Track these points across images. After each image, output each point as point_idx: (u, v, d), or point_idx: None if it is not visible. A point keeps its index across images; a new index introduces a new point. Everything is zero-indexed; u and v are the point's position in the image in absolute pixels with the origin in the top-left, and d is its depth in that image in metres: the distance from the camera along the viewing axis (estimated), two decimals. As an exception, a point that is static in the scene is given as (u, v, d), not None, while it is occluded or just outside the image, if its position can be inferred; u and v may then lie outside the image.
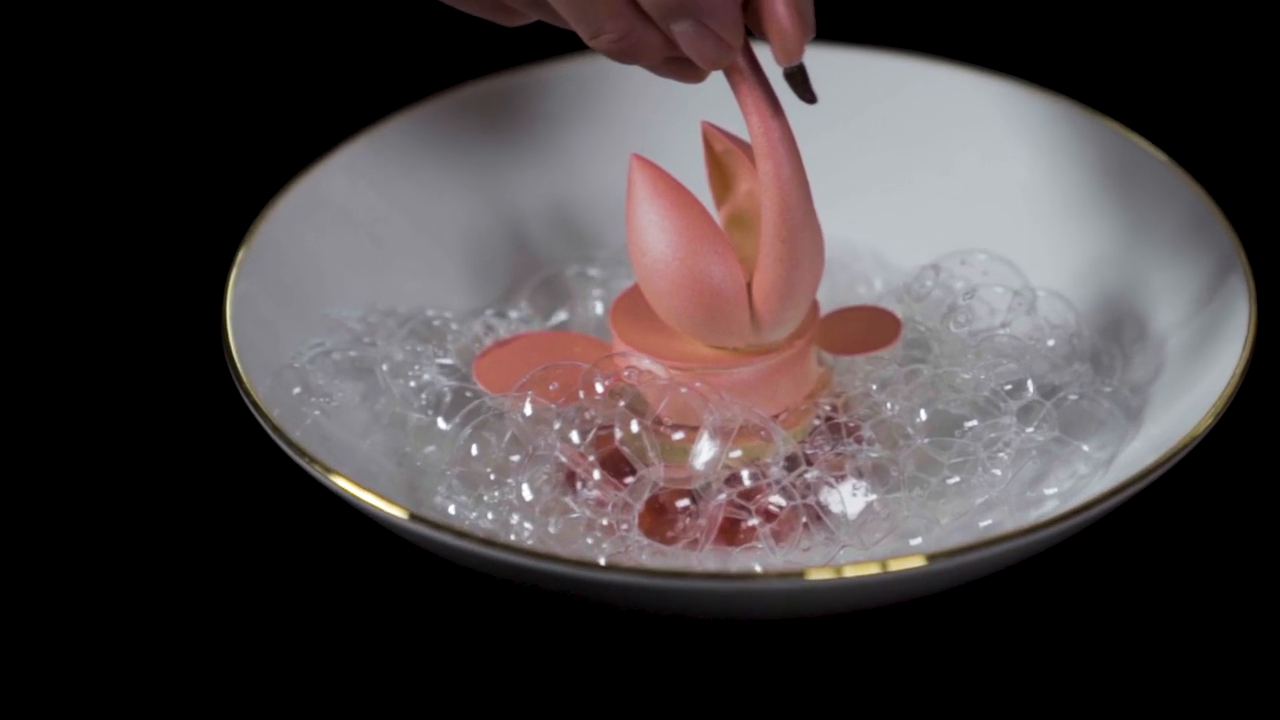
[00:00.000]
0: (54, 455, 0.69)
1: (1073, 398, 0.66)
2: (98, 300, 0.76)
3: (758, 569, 0.62)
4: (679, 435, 0.63)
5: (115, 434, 0.70)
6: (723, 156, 0.65)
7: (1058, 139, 0.74)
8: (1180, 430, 0.62)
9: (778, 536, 0.63)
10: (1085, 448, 0.65)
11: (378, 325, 0.69)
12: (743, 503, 0.63)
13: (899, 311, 0.68)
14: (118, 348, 0.73)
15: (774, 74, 0.61)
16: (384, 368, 0.67)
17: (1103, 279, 0.71)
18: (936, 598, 0.62)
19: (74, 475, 0.68)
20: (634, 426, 0.62)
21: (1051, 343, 0.68)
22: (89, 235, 0.79)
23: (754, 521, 0.63)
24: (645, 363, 0.64)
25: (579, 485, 0.63)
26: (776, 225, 0.61)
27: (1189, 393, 0.65)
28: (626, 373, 0.64)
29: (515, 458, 0.63)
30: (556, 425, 0.63)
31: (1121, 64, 0.88)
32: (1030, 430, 0.65)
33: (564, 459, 0.63)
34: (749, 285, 0.63)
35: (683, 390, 0.63)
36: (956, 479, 0.65)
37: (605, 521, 0.62)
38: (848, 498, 0.64)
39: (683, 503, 0.63)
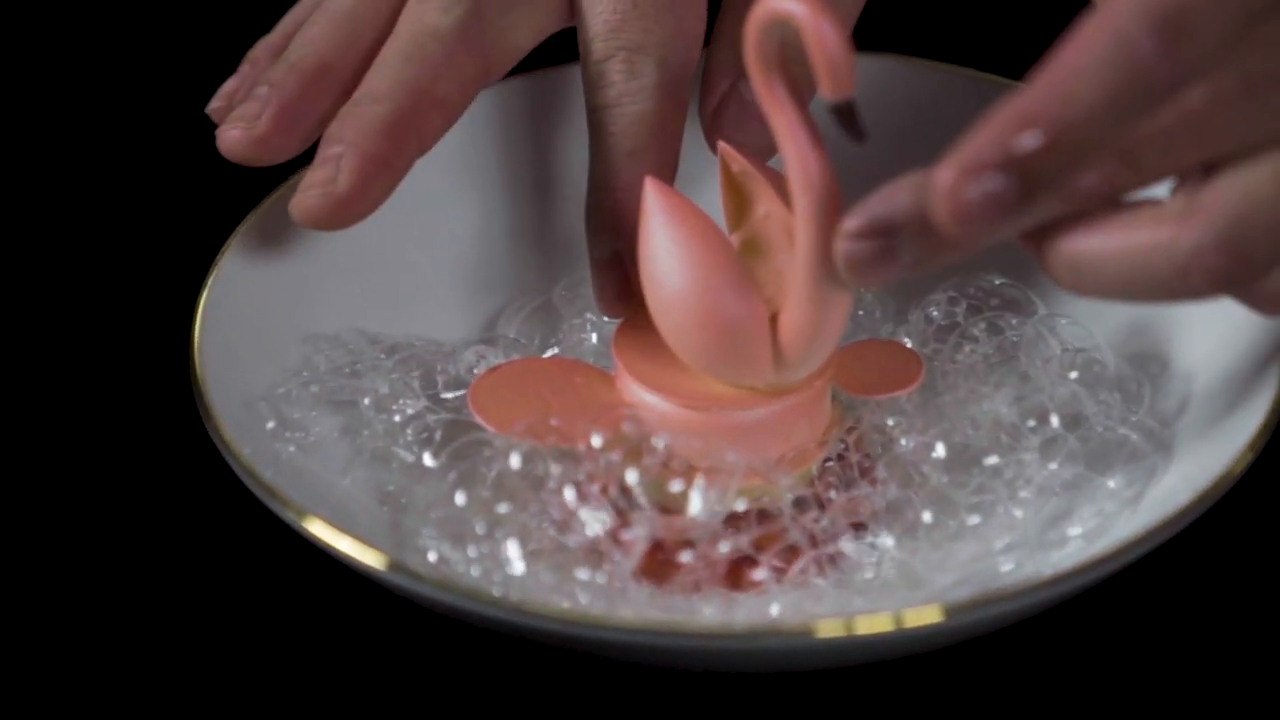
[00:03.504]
0: (2, 493, 0.67)
1: (1098, 430, 0.64)
2: (57, 324, 0.74)
3: (762, 622, 0.59)
4: (677, 485, 0.60)
5: (68, 468, 0.68)
6: (739, 178, 0.62)
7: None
8: (1214, 466, 0.59)
9: (786, 581, 0.61)
10: (1111, 484, 0.63)
11: (360, 353, 0.66)
12: (750, 552, 0.60)
13: (908, 342, 0.67)
14: (77, 373, 0.71)
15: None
16: (365, 401, 0.65)
17: (1125, 305, 0.68)
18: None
19: (28, 514, 0.66)
20: (630, 477, 0.60)
21: (1074, 374, 0.65)
22: (48, 257, 0.77)
23: (763, 575, 0.60)
24: (646, 397, 0.61)
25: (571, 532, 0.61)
26: (811, 264, 0.58)
27: (1221, 426, 0.62)
28: (626, 426, 0.61)
29: (503, 508, 0.60)
30: (550, 484, 0.60)
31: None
32: (1054, 466, 0.63)
33: (555, 515, 0.60)
34: (772, 321, 0.60)
35: (679, 438, 0.60)
36: (976, 519, 0.62)
37: (601, 579, 0.60)
38: (862, 544, 0.61)
39: (685, 556, 0.60)
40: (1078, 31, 0.51)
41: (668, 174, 0.64)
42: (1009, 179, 0.51)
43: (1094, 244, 0.53)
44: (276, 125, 0.65)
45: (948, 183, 0.51)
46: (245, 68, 0.68)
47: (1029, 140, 0.50)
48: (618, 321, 0.64)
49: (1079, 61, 0.50)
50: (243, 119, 0.65)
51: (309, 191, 0.63)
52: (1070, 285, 0.54)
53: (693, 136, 0.67)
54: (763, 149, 0.63)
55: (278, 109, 0.65)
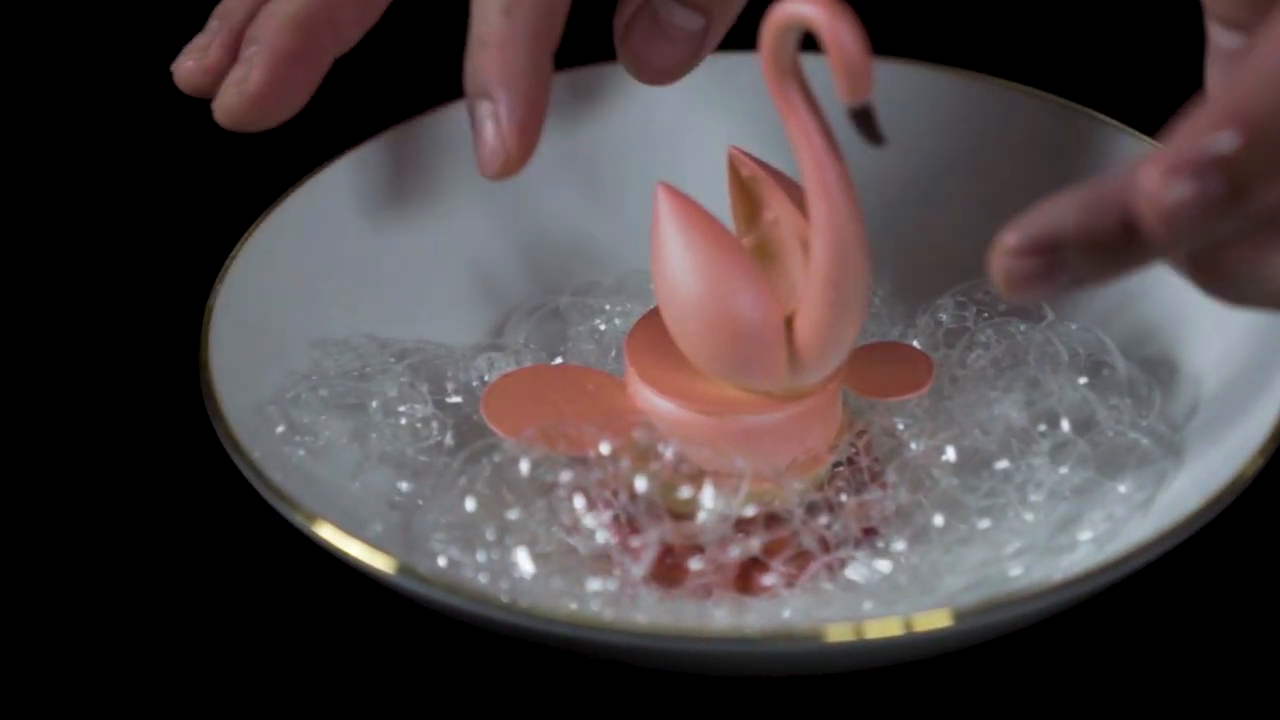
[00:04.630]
0: (12, 498, 0.67)
1: (1108, 434, 0.64)
2: (67, 328, 0.73)
3: (773, 626, 0.59)
4: (686, 491, 0.60)
5: (78, 472, 0.67)
6: (749, 182, 0.62)
7: (1083, 159, 0.70)
8: (1225, 471, 0.59)
9: (797, 586, 0.61)
10: (1122, 489, 0.63)
11: (369, 357, 0.66)
12: (761, 557, 0.60)
13: (917, 344, 0.66)
14: (87, 377, 0.71)
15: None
16: (374, 404, 0.65)
17: (1135, 310, 0.68)
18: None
19: (38, 518, 0.66)
20: (639, 485, 0.59)
21: (1084, 379, 0.65)
22: (58, 262, 0.76)
23: (773, 579, 0.60)
24: (659, 402, 0.61)
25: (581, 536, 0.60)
26: (828, 270, 0.58)
27: (1232, 430, 0.62)
28: (637, 432, 0.61)
29: (513, 514, 0.60)
30: (560, 491, 0.60)
31: (1160, 84, 0.85)
32: (1064, 470, 0.63)
33: (564, 521, 0.60)
34: (787, 325, 0.60)
35: (689, 444, 0.60)
36: (986, 523, 0.62)
37: (611, 586, 0.60)
38: (874, 552, 0.61)
39: (695, 564, 0.60)
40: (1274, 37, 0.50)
41: (548, 36, 0.62)
42: (1217, 179, 0.49)
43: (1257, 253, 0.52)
44: (269, 81, 0.63)
45: (1154, 184, 0.50)
46: (214, 23, 0.66)
47: (1227, 141, 0.49)
48: (628, 329, 0.64)
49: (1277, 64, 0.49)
50: (234, 82, 0.64)
51: (226, 91, 0.62)
52: (1230, 298, 0.53)
53: (697, 147, 0.67)
54: (669, 69, 0.62)
55: (269, 64, 0.63)
